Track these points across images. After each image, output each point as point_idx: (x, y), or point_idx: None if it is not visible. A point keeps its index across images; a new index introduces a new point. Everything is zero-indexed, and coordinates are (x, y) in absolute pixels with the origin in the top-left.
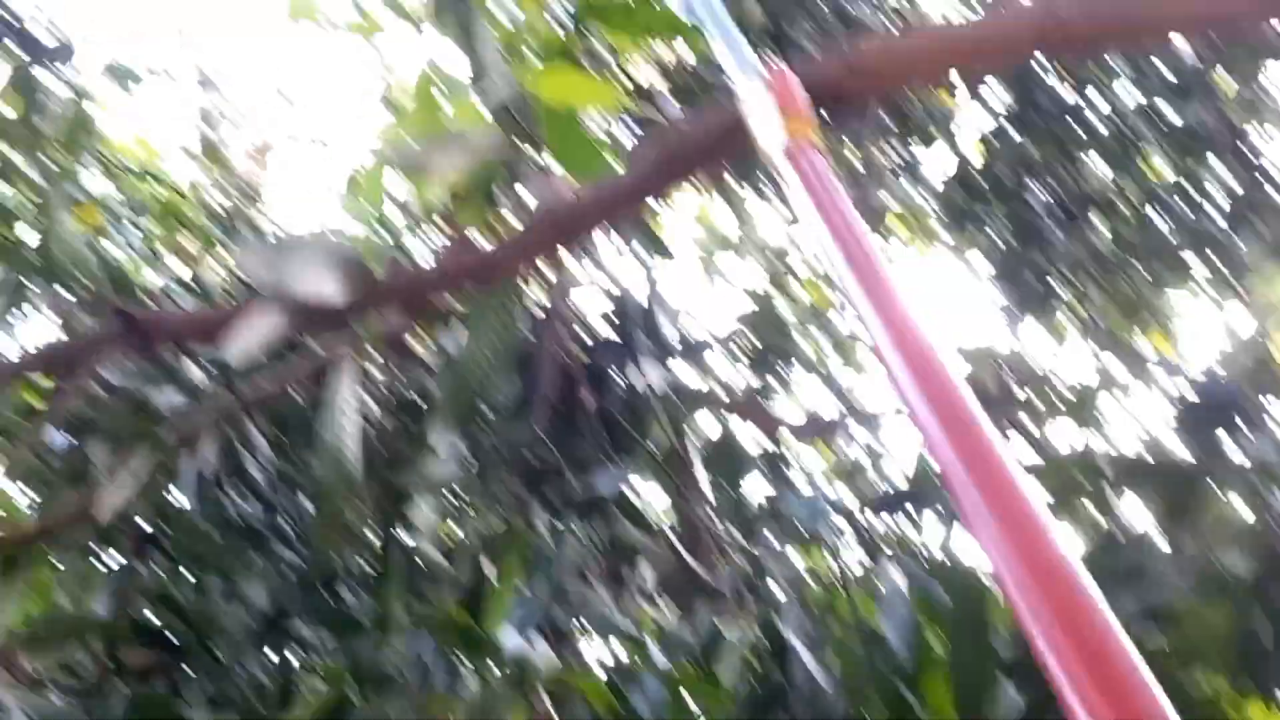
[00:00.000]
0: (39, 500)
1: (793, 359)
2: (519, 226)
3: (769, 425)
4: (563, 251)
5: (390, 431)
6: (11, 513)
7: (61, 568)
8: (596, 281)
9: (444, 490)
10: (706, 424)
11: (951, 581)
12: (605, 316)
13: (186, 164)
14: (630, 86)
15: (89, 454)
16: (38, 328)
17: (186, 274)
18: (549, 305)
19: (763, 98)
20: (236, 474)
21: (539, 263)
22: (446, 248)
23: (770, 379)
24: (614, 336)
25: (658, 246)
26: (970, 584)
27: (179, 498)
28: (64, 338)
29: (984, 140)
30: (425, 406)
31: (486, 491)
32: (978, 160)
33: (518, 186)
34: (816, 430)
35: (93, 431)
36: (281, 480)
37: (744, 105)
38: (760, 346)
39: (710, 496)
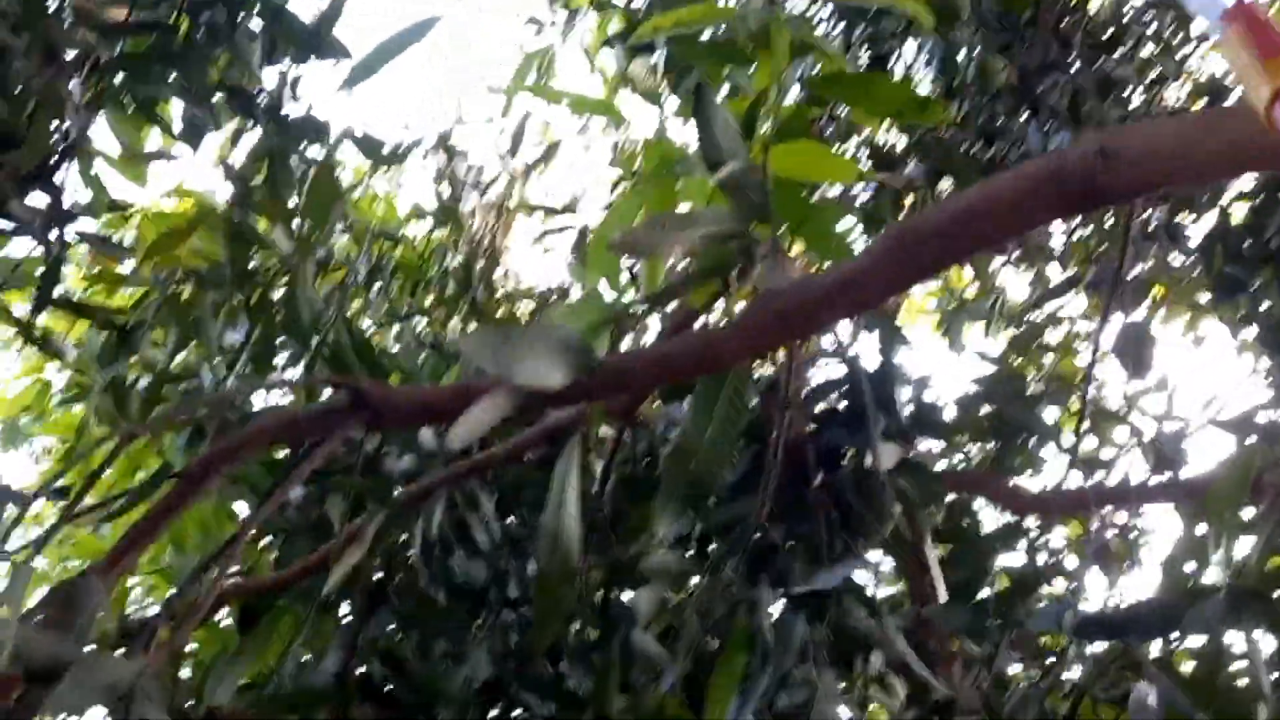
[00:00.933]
0: (278, 553)
1: (1038, 431)
2: (749, 312)
3: (1012, 501)
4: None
5: (614, 510)
6: (254, 565)
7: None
8: (828, 351)
9: (666, 572)
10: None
11: (1210, 697)
12: (838, 388)
13: (428, 226)
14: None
15: (327, 510)
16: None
17: (427, 335)
18: (779, 380)
19: (1231, 44)
20: (464, 537)
21: (770, 348)
22: (673, 330)
23: (1013, 452)
24: (846, 409)
25: (894, 335)
26: (1233, 700)
27: (410, 557)
28: (301, 406)
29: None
30: (650, 485)
31: (710, 573)
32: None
33: (752, 267)
34: (1064, 507)
35: (330, 488)
36: (509, 546)
37: (1221, 51)
38: (1003, 418)
39: (941, 581)
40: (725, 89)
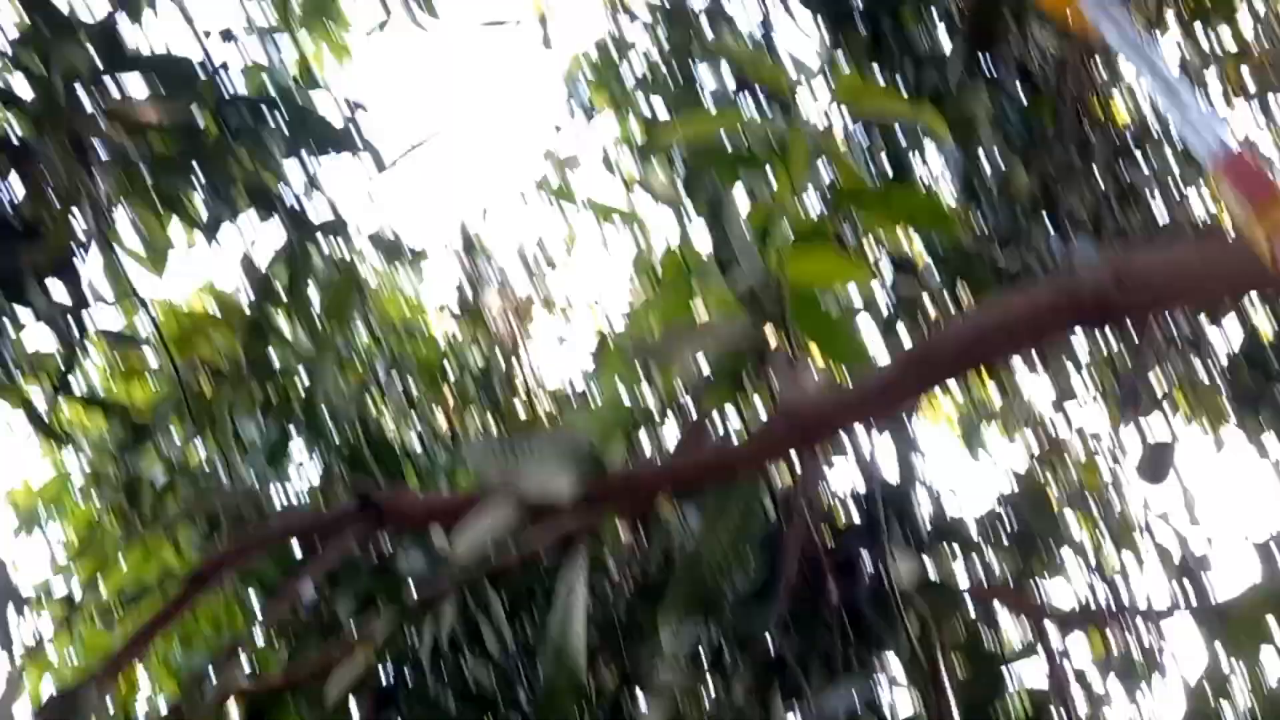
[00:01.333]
0: (287, 653)
1: (1061, 543)
2: (763, 421)
3: (1034, 613)
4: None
5: (622, 619)
6: (263, 664)
7: None
8: (845, 460)
9: (674, 683)
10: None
11: None
12: (854, 498)
13: (448, 323)
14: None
15: (336, 610)
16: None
17: (445, 431)
18: (793, 488)
19: (1226, 188)
20: (475, 640)
21: (782, 459)
22: (687, 438)
23: (1035, 564)
24: (864, 521)
25: (912, 447)
26: None
27: (419, 658)
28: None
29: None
30: (659, 594)
31: (720, 684)
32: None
33: (766, 375)
34: (1087, 620)
35: (339, 589)
36: (520, 650)
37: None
38: (1024, 529)
39: (952, 699)
40: (744, 197)
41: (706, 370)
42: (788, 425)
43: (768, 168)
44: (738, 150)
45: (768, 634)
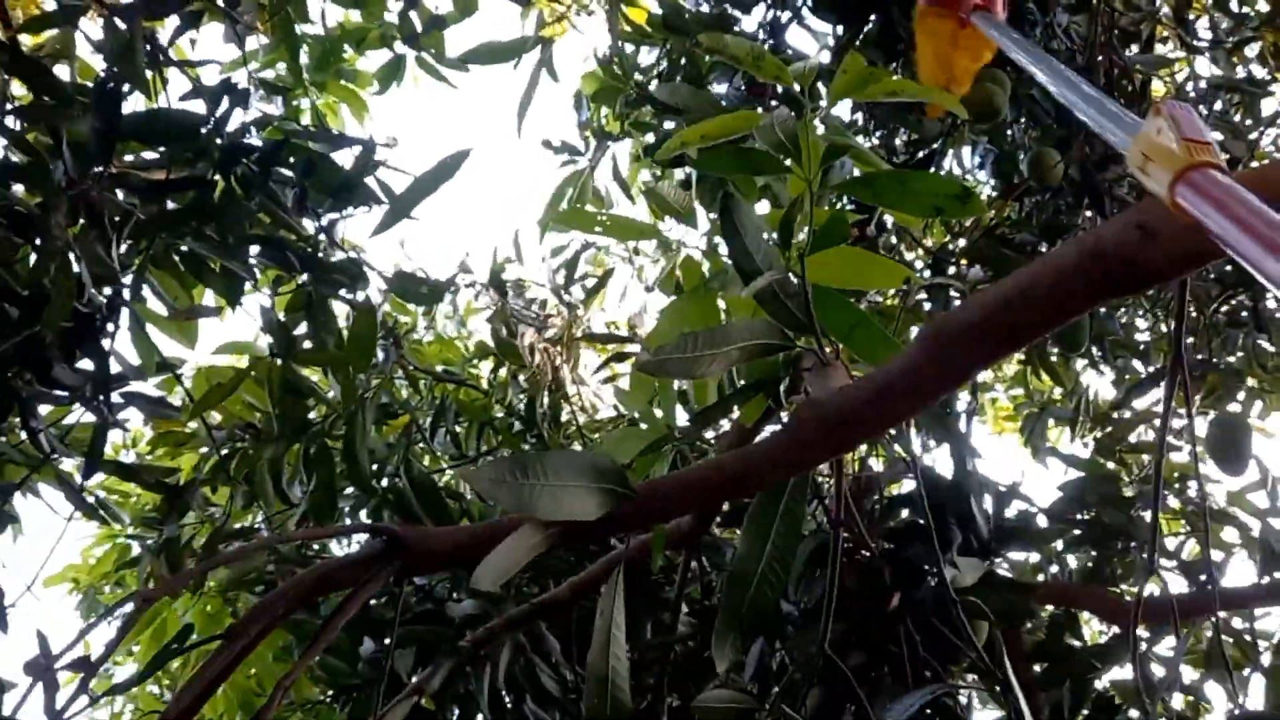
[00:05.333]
0: (349, 708)
1: (1137, 536)
2: (788, 426)
3: (1115, 612)
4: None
5: (670, 645)
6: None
7: None
8: (900, 460)
9: (725, 710)
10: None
11: None
12: (910, 503)
13: (491, 364)
14: (932, 252)
15: (396, 660)
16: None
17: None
18: (844, 494)
19: (1153, 146)
20: (534, 682)
21: (813, 464)
22: (728, 447)
23: (1112, 559)
24: (921, 525)
25: (965, 446)
26: None
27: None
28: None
29: None
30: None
31: (780, 706)
32: None
33: (799, 379)
34: (1170, 613)
35: (394, 639)
36: (580, 687)
37: (1134, 169)
38: (1099, 524)
39: (1024, 703)
40: (765, 202)
41: (739, 380)
42: (816, 425)
43: (780, 168)
44: (749, 151)
45: (825, 649)
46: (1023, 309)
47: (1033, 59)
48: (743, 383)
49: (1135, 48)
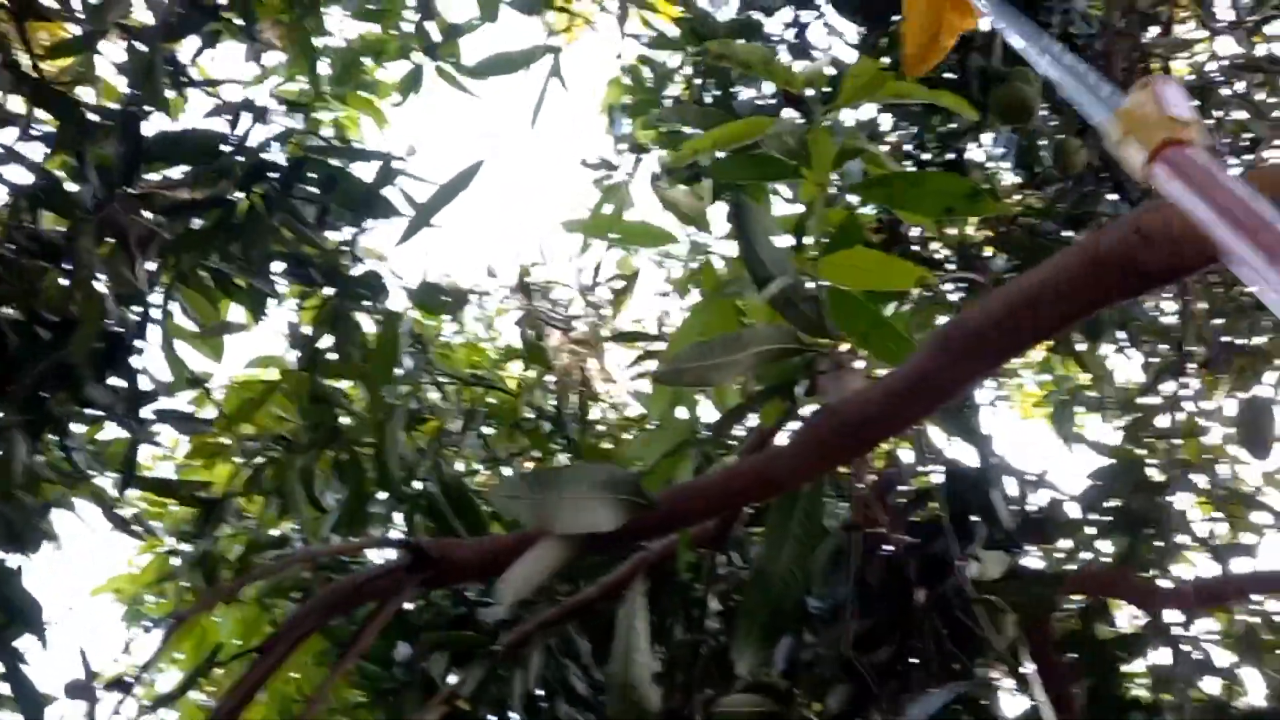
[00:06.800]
0: (384, 714)
1: (1168, 522)
2: (805, 429)
3: (1147, 599)
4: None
5: (693, 649)
6: None
7: None
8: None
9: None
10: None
11: None
12: (930, 497)
13: (515, 365)
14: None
15: (429, 665)
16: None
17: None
18: (865, 491)
19: (1133, 120)
20: (566, 685)
21: (831, 467)
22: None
23: (1144, 546)
24: (945, 513)
25: (982, 439)
26: None
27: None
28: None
29: None
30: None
31: (799, 711)
32: None
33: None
34: (1205, 600)
35: (428, 645)
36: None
37: (1112, 144)
38: (1128, 511)
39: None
40: (782, 205)
41: (756, 385)
42: (834, 426)
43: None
44: (760, 157)
45: (850, 647)
46: (1028, 313)
47: (1017, 29)
48: (759, 387)
49: (1155, 30)
